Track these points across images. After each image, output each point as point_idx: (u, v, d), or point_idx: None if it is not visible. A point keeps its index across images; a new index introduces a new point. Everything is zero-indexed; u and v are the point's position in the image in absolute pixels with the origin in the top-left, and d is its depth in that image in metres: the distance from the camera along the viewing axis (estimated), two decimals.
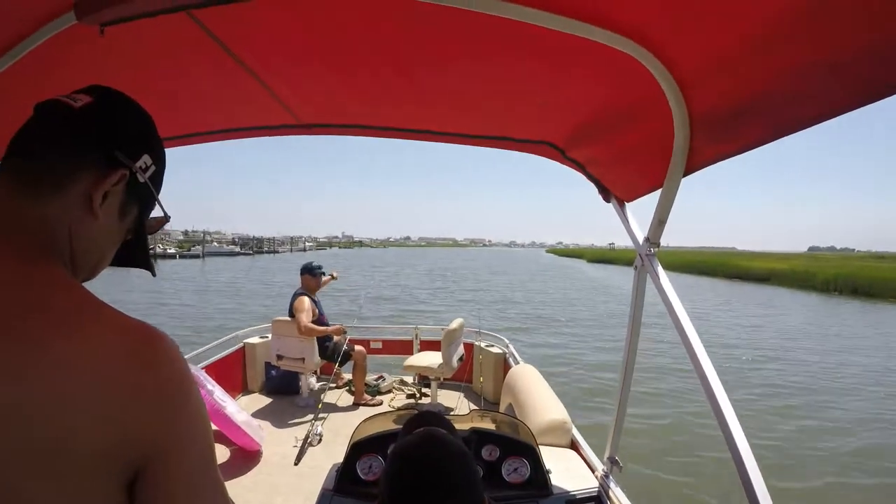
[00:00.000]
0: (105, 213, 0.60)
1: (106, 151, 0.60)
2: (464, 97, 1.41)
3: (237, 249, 66.52)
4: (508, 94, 1.35)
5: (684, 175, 1.27)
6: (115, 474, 0.50)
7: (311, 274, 4.19)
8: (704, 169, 1.25)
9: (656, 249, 1.51)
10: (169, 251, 48.79)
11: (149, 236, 0.71)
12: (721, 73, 0.98)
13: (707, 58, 0.97)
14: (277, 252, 76.54)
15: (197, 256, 50.42)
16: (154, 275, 0.74)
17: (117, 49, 1.06)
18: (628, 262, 61.48)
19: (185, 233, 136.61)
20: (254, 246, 75.05)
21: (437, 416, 1.25)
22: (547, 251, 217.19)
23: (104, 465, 0.48)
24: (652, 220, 1.48)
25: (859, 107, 0.80)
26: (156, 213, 0.70)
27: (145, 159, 0.64)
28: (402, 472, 0.82)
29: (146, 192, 0.65)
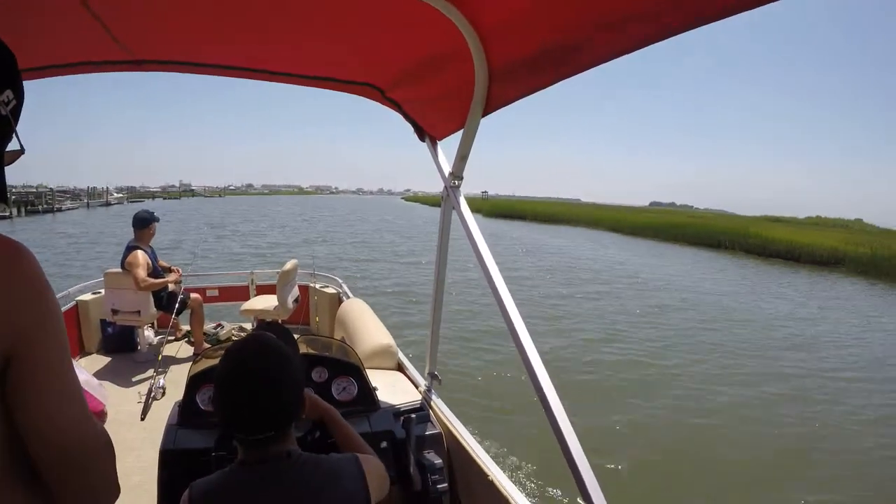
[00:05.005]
0: None
1: None
2: (292, 37, 1.45)
3: None
4: (335, 37, 1.42)
5: (483, 115, 1.44)
6: None
7: (141, 225, 3.99)
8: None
9: (460, 182, 1.64)
10: None
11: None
12: (516, 28, 1.13)
13: (504, 14, 1.13)
14: (60, 210, 47.72)
15: None
16: (8, 205, 0.81)
17: None
18: (570, 220, 49.15)
19: None
20: (18, 203, 44.05)
21: (275, 325, 1.29)
22: (406, 199, 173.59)
23: None
24: (455, 156, 1.60)
25: (619, 56, 1.00)
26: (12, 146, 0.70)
27: (8, 94, 0.66)
28: (226, 367, 0.90)
29: (6, 124, 0.67)
